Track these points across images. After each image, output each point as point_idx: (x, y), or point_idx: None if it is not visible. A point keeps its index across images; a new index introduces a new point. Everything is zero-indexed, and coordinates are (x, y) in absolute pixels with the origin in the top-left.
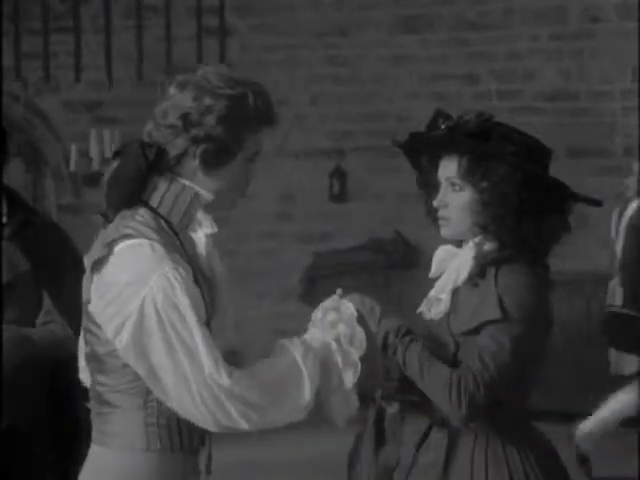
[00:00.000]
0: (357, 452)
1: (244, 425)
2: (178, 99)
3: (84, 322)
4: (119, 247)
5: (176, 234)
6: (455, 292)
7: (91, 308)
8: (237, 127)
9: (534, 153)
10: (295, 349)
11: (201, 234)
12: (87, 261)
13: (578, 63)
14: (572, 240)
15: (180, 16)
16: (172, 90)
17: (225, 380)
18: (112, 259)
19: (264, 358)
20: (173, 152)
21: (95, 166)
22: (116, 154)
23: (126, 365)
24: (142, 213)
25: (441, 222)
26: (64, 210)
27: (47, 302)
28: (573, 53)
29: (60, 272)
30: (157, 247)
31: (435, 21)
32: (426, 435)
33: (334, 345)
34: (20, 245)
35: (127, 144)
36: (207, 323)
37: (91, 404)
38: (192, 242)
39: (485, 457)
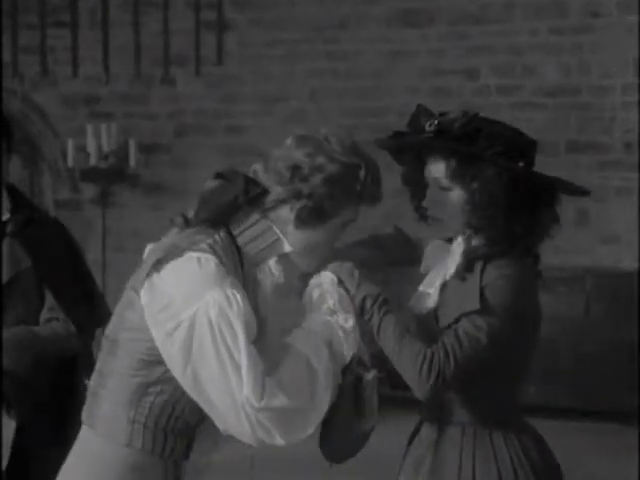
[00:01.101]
0: (332, 421)
1: (280, 439)
2: (294, 150)
3: (125, 310)
4: (187, 255)
5: (242, 265)
6: (444, 287)
7: (144, 302)
8: (340, 194)
9: (520, 148)
10: (302, 345)
11: (267, 279)
12: (148, 253)
13: (578, 58)
14: (572, 236)
15: (178, 10)
16: (290, 141)
17: (260, 402)
18: (177, 264)
19: (275, 363)
20: (274, 197)
21: (92, 161)
22: (218, 175)
23: (142, 367)
24: (222, 236)
25: (432, 222)
26: (61, 206)
27: (49, 299)
28: (573, 48)
29: (62, 269)
30: (221, 267)
31: (435, 15)
32: (417, 430)
33: (331, 320)
34: (22, 242)
35: (232, 171)
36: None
37: (90, 382)
38: (256, 283)
39: (473, 453)
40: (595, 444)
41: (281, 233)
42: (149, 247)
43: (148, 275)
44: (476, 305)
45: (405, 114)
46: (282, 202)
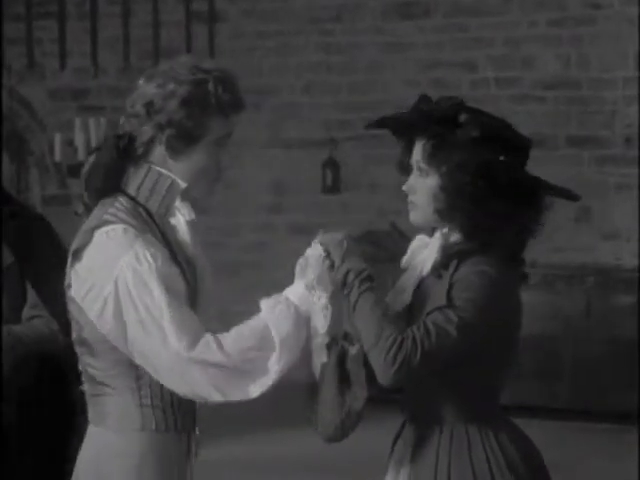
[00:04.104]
0: (319, 395)
1: (216, 395)
2: (144, 88)
3: (69, 309)
4: (97, 233)
5: (153, 220)
6: (421, 283)
7: (73, 294)
8: (198, 111)
9: (503, 141)
10: (266, 308)
11: (181, 220)
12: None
13: (578, 50)
14: (573, 232)
15: (168, 1)
16: (140, 81)
17: (190, 351)
18: (90, 246)
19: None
20: (141, 140)
21: (80, 156)
22: (96, 149)
23: (114, 348)
24: (121, 200)
25: (409, 207)
26: (49, 201)
27: (32, 296)
28: (573, 40)
29: (46, 265)
30: (129, 230)
31: (431, 7)
32: (400, 431)
33: (309, 295)
34: (5, 238)
35: (105, 139)
36: (191, 304)
37: (85, 386)
38: (173, 228)
39: (449, 452)
40: (595, 444)
41: (167, 172)
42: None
43: (71, 267)
44: (443, 301)
45: (402, 108)
46: (151, 141)
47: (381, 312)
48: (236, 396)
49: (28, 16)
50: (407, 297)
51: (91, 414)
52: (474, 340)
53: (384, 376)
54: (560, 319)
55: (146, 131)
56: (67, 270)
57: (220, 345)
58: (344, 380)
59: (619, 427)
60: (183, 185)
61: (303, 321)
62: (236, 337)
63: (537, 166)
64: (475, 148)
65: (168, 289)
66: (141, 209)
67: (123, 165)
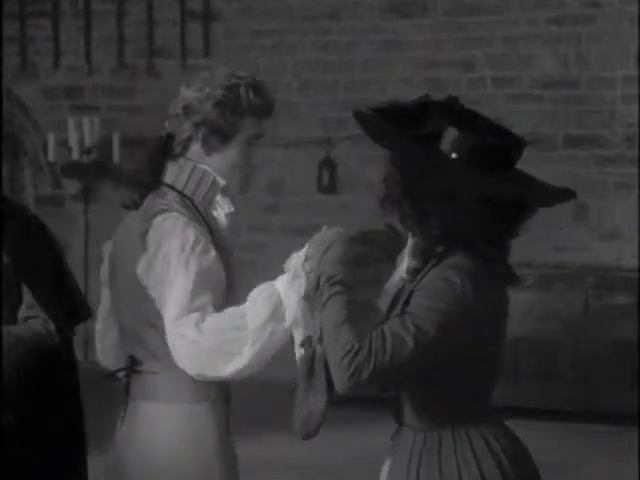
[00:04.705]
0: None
1: (191, 369)
2: (184, 93)
3: (131, 293)
4: (157, 219)
5: (198, 211)
6: (403, 285)
7: (141, 274)
8: (231, 112)
9: (460, 138)
10: (251, 295)
11: (221, 213)
12: (123, 236)
13: (577, 49)
14: (571, 232)
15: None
16: (182, 87)
17: (174, 324)
18: (151, 231)
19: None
20: (180, 138)
21: (74, 156)
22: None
23: None
24: (171, 194)
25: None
26: (43, 201)
27: (28, 296)
28: (572, 39)
29: (41, 266)
30: (181, 217)
31: (429, 5)
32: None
33: (275, 291)
34: (1, 238)
35: (150, 139)
36: (228, 289)
37: (138, 363)
38: (214, 219)
39: (419, 456)
40: (594, 445)
41: (207, 168)
42: (108, 244)
43: (141, 251)
44: (401, 308)
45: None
46: (188, 140)
47: (344, 318)
48: (209, 373)
49: (21, 14)
50: (389, 299)
51: (143, 389)
52: (434, 349)
53: (338, 382)
54: (558, 319)
55: (184, 130)
56: (135, 255)
57: (198, 323)
58: (311, 379)
59: (618, 428)
60: (223, 182)
61: (283, 311)
62: (216, 319)
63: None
64: (398, 137)
65: (200, 271)
66: (188, 201)
67: (164, 161)
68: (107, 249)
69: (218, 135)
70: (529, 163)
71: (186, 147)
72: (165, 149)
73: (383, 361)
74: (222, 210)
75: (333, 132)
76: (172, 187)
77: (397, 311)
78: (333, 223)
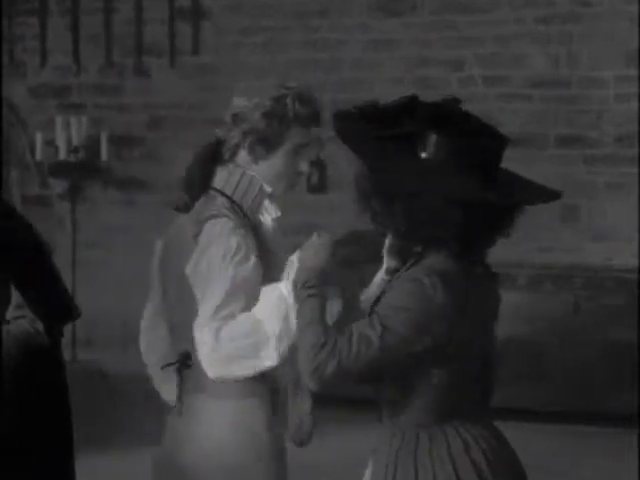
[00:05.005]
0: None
1: (210, 371)
2: (236, 101)
3: (181, 291)
4: (207, 224)
5: (246, 216)
6: (383, 285)
7: (189, 274)
8: (277, 122)
9: (421, 135)
10: (260, 307)
11: (268, 218)
12: (174, 237)
13: (567, 48)
14: (561, 232)
15: None
16: (234, 97)
17: (199, 331)
18: (202, 234)
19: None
20: (229, 145)
21: (62, 155)
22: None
23: None
24: (220, 199)
25: None
26: (30, 201)
27: (16, 296)
28: (562, 38)
29: (29, 266)
30: (229, 222)
31: (418, 4)
32: None
33: (282, 294)
34: None
35: (203, 146)
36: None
37: (190, 358)
38: (261, 224)
39: (395, 456)
40: (583, 446)
41: (256, 174)
42: (159, 243)
43: (191, 253)
44: (370, 308)
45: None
46: (237, 146)
47: (313, 318)
48: (227, 376)
49: (9, 12)
50: (372, 299)
51: (205, 385)
52: (402, 348)
53: (304, 378)
54: (547, 320)
55: (233, 137)
56: (184, 256)
57: (218, 331)
58: (297, 384)
59: (608, 429)
60: (269, 189)
61: (291, 312)
62: (231, 326)
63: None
64: (353, 135)
65: (235, 281)
66: (236, 206)
67: (214, 166)
68: (158, 248)
69: (265, 144)
70: (519, 162)
71: (234, 153)
72: (215, 154)
73: (348, 358)
74: (269, 215)
75: (322, 131)
76: (221, 192)
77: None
78: (323, 223)
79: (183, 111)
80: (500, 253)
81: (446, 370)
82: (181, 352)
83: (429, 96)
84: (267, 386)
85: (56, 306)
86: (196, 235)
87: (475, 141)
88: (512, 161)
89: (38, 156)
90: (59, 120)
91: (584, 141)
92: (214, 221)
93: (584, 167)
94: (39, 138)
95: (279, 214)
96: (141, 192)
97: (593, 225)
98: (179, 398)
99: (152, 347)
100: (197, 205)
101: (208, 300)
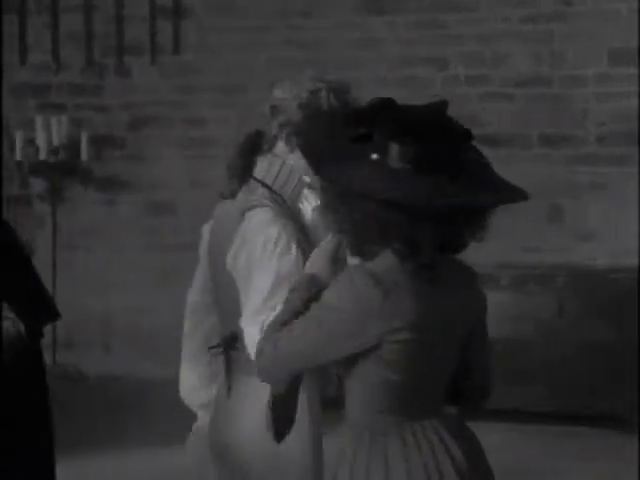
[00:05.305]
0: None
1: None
2: (274, 93)
3: (226, 276)
4: (248, 214)
5: (286, 205)
6: None
7: (229, 262)
8: (312, 114)
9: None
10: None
11: (308, 207)
12: (220, 222)
13: (550, 47)
14: (545, 232)
15: None
16: (274, 89)
17: (248, 322)
18: (243, 224)
19: None
20: (266, 137)
21: (42, 155)
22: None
23: None
24: (261, 189)
25: None
26: (9, 201)
27: None
28: (545, 36)
29: (9, 268)
30: (270, 211)
31: (403, 2)
32: None
33: None
34: None
35: (244, 136)
36: None
37: (236, 340)
38: (300, 212)
39: (353, 458)
40: (568, 446)
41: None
42: (207, 226)
43: (231, 243)
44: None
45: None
46: (275, 138)
47: (283, 314)
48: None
49: None
50: None
51: (242, 366)
52: (327, 346)
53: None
54: (531, 320)
55: (271, 128)
56: (225, 248)
57: (264, 324)
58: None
59: (592, 430)
60: (308, 179)
61: None
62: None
63: (509, 165)
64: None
65: (279, 272)
66: (276, 196)
67: (254, 157)
68: (206, 230)
69: (301, 134)
70: (503, 162)
71: (273, 144)
72: (255, 146)
73: (277, 348)
74: (309, 204)
75: None
76: (262, 182)
77: None
78: None
79: (164, 110)
80: (487, 254)
81: (390, 370)
82: (227, 335)
83: (413, 96)
84: (311, 373)
85: (36, 307)
86: (237, 225)
87: (428, 146)
88: (495, 161)
89: (18, 156)
90: (39, 120)
91: (568, 140)
92: (254, 212)
93: (568, 167)
94: (19, 138)
95: (318, 201)
96: (122, 192)
97: (577, 225)
98: (227, 380)
99: (195, 326)
100: (240, 194)
101: (254, 293)
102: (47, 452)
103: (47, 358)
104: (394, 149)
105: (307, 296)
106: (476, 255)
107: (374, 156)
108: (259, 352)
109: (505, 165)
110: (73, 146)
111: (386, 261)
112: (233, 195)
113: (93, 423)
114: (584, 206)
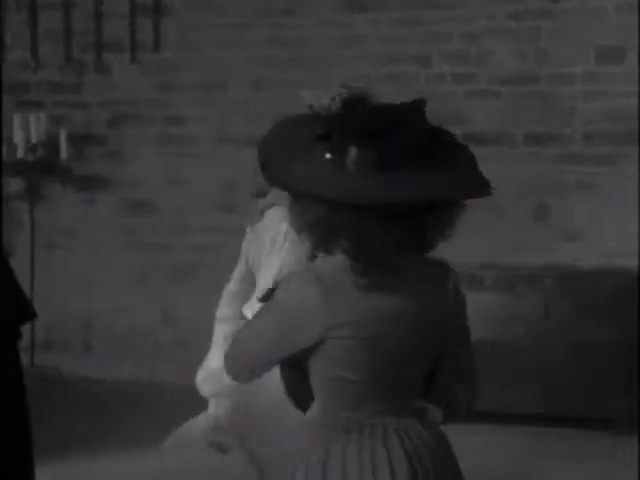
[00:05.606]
0: None
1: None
2: (304, 96)
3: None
4: (267, 212)
5: None
6: None
7: (249, 255)
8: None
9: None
10: None
11: None
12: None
13: (537, 44)
14: (531, 232)
15: None
16: (303, 92)
17: (249, 312)
18: (262, 220)
19: None
20: None
21: (20, 153)
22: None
23: None
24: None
25: None
26: None
27: None
28: (532, 34)
29: None
30: (281, 210)
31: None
32: None
33: None
34: None
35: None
36: None
37: None
38: None
39: (325, 454)
40: (555, 449)
41: None
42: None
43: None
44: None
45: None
46: None
47: (259, 312)
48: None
49: None
50: None
51: None
52: (272, 343)
53: None
54: (518, 322)
55: None
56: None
57: None
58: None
59: (578, 431)
60: None
61: None
62: None
63: (495, 164)
64: None
65: (282, 267)
66: None
67: None
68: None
69: None
70: (489, 161)
71: None
72: None
73: (238, 343)
74: None
75: None
76: None
77: None
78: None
79: (144, 108)
80: (472, 254)
81: (337, 367)
82: None
83: (398, 93)
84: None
85: (13, 306)
86: (257, 223)
87: (383, 146)
88: (481, 159)
89: None
90: (17, 118)
91: (555, 139)
92: (271, 210)
93: (555, 165)
94: None
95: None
96: (102, 191)
97: (564, 225)
98: None
99: (234, 313)
100: (269, 194)
101: (262, 283)
102: (25, 455)
103: (25, 359)
104: (350, 149)
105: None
106: (461, 255)
107: (328, 156)
108: (226, 351)
109: (491, 164)
110: (52, 144)
111: (335, 259)
112: (264, 194)
113: (72, 425)
114: (571, 205)
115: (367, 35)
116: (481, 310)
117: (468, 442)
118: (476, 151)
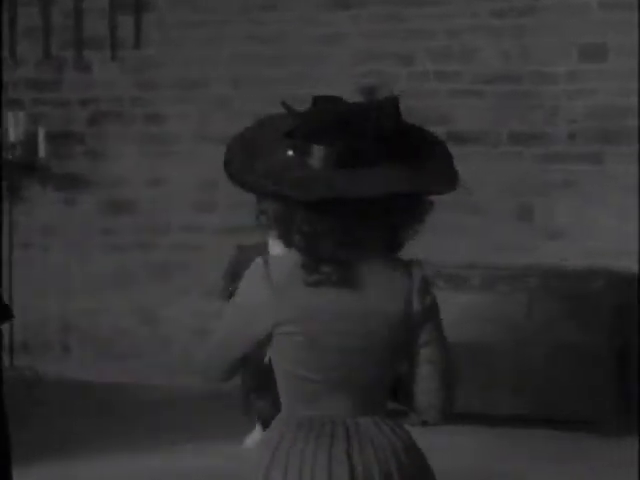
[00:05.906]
0: None
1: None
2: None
3: None
4: None
5: None
6: None
7: None
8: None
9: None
10: None
11: None
12: None
13: (520, 42)
14: (515, 231)
15: None
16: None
17: None
18: None
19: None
20: None
21: None
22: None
23: None
24: None
25: None
26: None
27: None
28: (515, 32)
29: None
30: None
31: None
32: None
33: None
34: None
35: None
36: None
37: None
38: None
39: (271, 456)
40: (537, 450)
41: None
42: None
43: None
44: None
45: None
46: None
47: None
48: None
49: None
50: None
51: None
52: (234, 335)
53: None
54: (501, 321)
55: None
56: None
57: None
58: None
59: (561, 432)
60: None
61: None
62: None
63: (478, 163)
64: None
65: None
66: None
67: None
68: None
69: None
70: (472, 160)
71: None
72: None
73: (210, 343)
74: None
75: None
76: None
77: None
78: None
79: (124, 106)
80: (456, 253)
81: (286, 362)
82: None
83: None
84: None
85: None
86: None
87: (341, 143)
88: (464, 159)
89: None
90: None
91: (538, 138)
92: None
93: (538, 164)
94: None
95: None
96: (81, 190)
97: (547, 224)
98: None
99: None
100: None
101: None
102: (2, 456)
103: (5, 361)
104: (311, 147)
105: None
106: (444, 255)
107: (289, 153)
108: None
109: (475, 163)
110: (30, 143)
111: (292, 256)
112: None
113: (51, 427)
114: (555, 204)
115: (348, 32)
116: (465, 310)
117: (453, 443)
118: (459, 150)
